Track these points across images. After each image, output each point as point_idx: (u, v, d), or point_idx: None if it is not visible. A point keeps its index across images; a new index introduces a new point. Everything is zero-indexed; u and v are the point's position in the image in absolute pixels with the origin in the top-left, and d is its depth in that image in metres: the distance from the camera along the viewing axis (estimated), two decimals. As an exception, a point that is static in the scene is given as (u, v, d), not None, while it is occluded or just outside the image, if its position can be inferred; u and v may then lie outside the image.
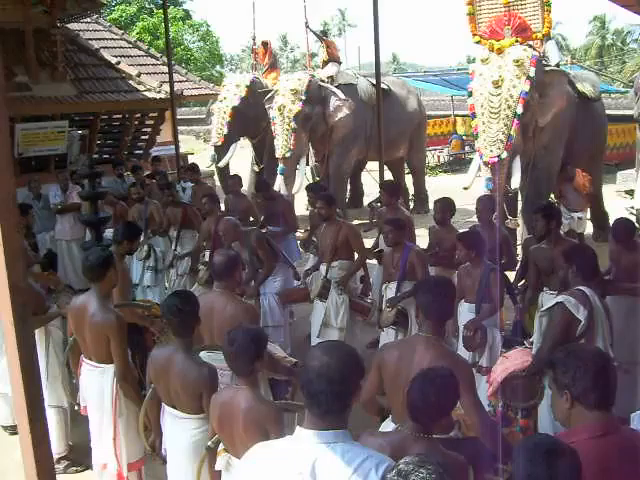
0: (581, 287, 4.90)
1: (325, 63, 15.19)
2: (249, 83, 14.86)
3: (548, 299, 5.84)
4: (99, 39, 17.70)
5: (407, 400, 3.20)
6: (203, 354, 5.03)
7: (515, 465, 2.42)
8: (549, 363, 3.06)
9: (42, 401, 3.15)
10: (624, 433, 2.92)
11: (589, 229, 11.81)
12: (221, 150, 14.66)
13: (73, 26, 16.60)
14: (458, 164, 24.77)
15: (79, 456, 6.07)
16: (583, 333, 4.77)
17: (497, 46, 8.93)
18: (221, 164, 14.62)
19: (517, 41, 8.98)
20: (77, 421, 6.07)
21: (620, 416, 3.33)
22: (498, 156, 8.78)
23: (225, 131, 14.53)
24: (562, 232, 9.78)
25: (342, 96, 13.53)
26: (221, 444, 3.93)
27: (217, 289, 5.36)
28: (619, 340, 5.17)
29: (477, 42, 9.33)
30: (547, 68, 9.25)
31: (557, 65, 10.58)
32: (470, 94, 9.21)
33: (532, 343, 5.30)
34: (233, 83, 15.16)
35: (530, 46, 9.10)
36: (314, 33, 16.02)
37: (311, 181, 14.86)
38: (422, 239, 8.55)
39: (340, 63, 15.57)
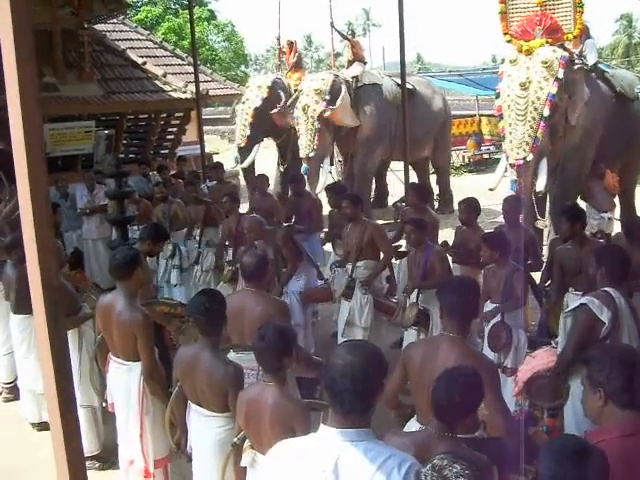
0: (607, 288, 4.88)
1: (350, 63, 15.20)
2: (270, 84, 14.91)
3: (573, 300, 5.81)
4: (125, 40, 17.86)
5: (432, 399, 3.20)
6: (232, 355, 5.08)
7: (541, 466, 2.42)
8: (584, 360, 3.05)
9: (73, 396, 3.20)
10: None
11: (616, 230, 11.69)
12: (244, 151, 14.76)
13: (100, 27, 16.81)
14: (483, 164, 24.66)
15: (107, 453, 6.13)
16: (607, 335, 4.74)
17: (526, 47, 8.86)
18: (244, 165, 14.71)
19: (547, 42, 8.90)
20: (104, 418, 6.14)
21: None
22: (524, 158, 8.73)
23: (248, 132, 14.63)
24: (591, 233, 9.74)
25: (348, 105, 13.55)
26: (247, 441, 3.96)
27: (247, 288, 5.38)
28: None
29: (508, 41, 9.26)
30: (576, 67, 9.17)
31: (594, 65, 10.49)
32: (498, 95, 9.17)
33: (558, 343, 5.28)
34: (255, 84, 15.26)
35: (562, 46, 9.01)
36: (340, 33, 16.06)
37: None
38: (448, 239, 8.51)
39: (365, 63, 15.58)
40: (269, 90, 14.71)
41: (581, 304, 4.89)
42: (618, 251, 5.44)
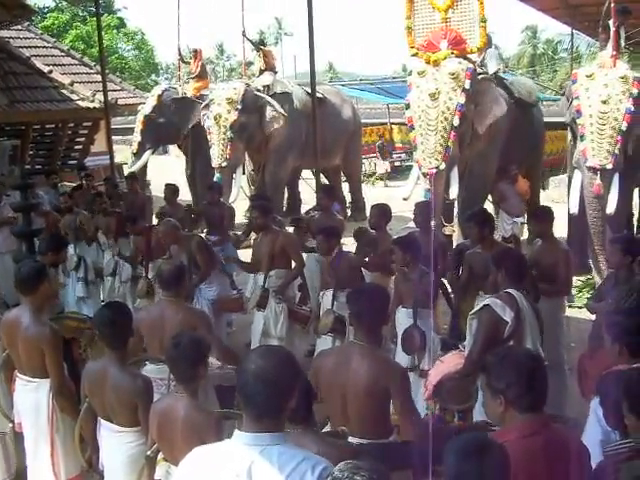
0: (509, 290, 5.04)
1: (261, 72, 15.32)
2: (160, 92, 15.44)
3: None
4: (30, 47, 17.42)
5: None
6: (150, 367, 5.07)
7: (446, 463, 2.47)
8: (482, 367, 3.14)
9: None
10: (553, 431, 3.02)
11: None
12: (137, 157, 15.19)
13: (3, 33, 16.32)
14: (395, 172, 25.02)
15: (17, 477, 5.90)
16: (511, 334, 4.91)
17: (433, 58, 9.05)
18: (134, 169, 14.77)
19: (453, 53, 9.12)
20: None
21: (552, 414, 3.43)
22: (437, 167, 8.90)
23: (139, 138, 15.08)
24: (503, 237, 9.98)
25: (278, 107, 13.67)
26: (160, 453, 3.91)
27: (165, 298, 5.33)
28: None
29: (414, 55, 9.44)
30: (480, 77, 9.43)
31: (495, 73, 10.78)
32: (408, 106, 9.31)
33: (465, 346, 5.40)
34: (151, 93, 16.02)
35: (466, 58, 9.25)
36: (251, 42, 16.10)
37: (247, 190, 15.02)
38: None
39: (276, 72, 15.74)
40: (158, 98, 15.17)
41: (484, 305, 5.05)
42: (514, 253, 5.64)
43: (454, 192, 9.36)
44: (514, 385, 2.94)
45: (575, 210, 9.62)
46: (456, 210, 11.24)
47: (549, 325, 5.72)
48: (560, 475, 2.91)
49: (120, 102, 17.46)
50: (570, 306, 9.13)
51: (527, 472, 2.62)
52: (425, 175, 9.00)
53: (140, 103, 17.74)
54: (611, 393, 3.30)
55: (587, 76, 9.17)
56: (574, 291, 9.87)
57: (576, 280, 10.20)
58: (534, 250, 6.86)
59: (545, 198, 16.18)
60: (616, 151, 8.86)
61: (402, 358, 6.11)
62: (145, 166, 15.36)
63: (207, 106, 13.89)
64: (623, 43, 10.36)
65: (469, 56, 9.34)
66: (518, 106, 11.43)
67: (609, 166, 8.88)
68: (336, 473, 2.32)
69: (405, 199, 9.60)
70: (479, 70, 9.49)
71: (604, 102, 8.86)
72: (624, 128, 8.82)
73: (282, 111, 13.79)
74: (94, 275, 9.32)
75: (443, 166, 8.90)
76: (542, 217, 6.99)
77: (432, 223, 7.66)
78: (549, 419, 3.12)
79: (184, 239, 7.64)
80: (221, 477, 2.59)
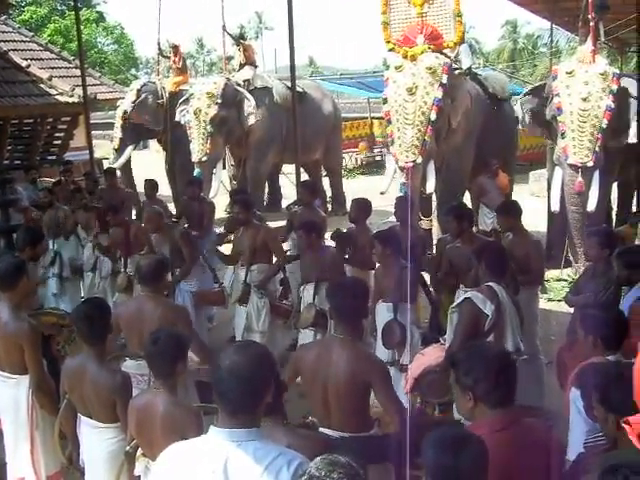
0: (489, 283, 5.08)
1: (242, 66, 15.30)
2: (139, 87, 15.33)
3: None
4: (8, 41, 17.25)
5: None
6: (130, 362, 5.03)
7: (424, 456, 2.49)
8: (452, 363, 3.16)
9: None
10: (523, 426, 3.05)
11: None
12: (118, 153, 15.09)
13: (-21, 27, 16.18)
14: (376, 166, 25.05)
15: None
16: (492, 328, 4.94)
17: (410, 53, 9.10)
18: (116, 165, 14.74)
19: (429, 48, 9.17)
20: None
21: (528, 406, 3.45)
22: (413, 161, 8.94)
23: (119, 134, 14.99)
24: (483, 230, 10.09)
25: (253, 102, 13.66)
26: (140, 449, 3.90)
27: (144, 293, 5.30)
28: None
29: (391, 49, 9.49)
30: (456, 72, 9.49)
31: (469, 69, 10.86)
32: (385, 101, 9.36)
33: (446, 340, 5.43)
34: (130, 88, 15.86)
35: (442, 53, 9.31)
36: (231, 36, 16.08)
37: (228, 185, 15.00)
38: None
39: (256, 66, 15.74)
40: (137, 93, 15.09)
41: (465, 298, 5.10)
42: (496, 247, 5.68)
43: (431, 186, 9.44)
44: (482, 381, 2.97)
45: (557, 208, 9.73)
46: (434, 204, 11.31)
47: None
48: (532, 469, 2.93)
49: (99, 97, 17.37)
50: (550, 299, 9.23)
51: (498, 466, 2.63)
52: (402, 169, 9.06)
53: (119, 98, 17.66)
54: (590, 385, 3.33)
55: (567, 73, 9.25)
56: (557, 285, 9.98)
57: (561, 272, 10.34)
58: (505, 243, 6.91)
59: (526, 192, 16.33)
60: (597, 148, 8.99)
61: (382, 353, 6.13)
62: (129, 162, 15.25)
63: (186, 101, 13.85)
64: (602, 38, 10.43)
65: (444, 51, 9.40)
66: (492, 101, 11.58)
67: (590, 164, 8.99)
68: (313, 471, 2.29)
69: (382, 193, 9.67)
70: (454, 66, 9.54)
71: (584, 99, 8.96)
72: (604, 125, 8.94)
73: (255, 106, 13.78)
74: (70, 271, 9.20)
75: (420, 160, 8.97)
76: (509, 211, 7.09)
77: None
78: (520, 413, 3.14)
79: (167, 228, 7.62)
80: (197, 473, 2.59)
